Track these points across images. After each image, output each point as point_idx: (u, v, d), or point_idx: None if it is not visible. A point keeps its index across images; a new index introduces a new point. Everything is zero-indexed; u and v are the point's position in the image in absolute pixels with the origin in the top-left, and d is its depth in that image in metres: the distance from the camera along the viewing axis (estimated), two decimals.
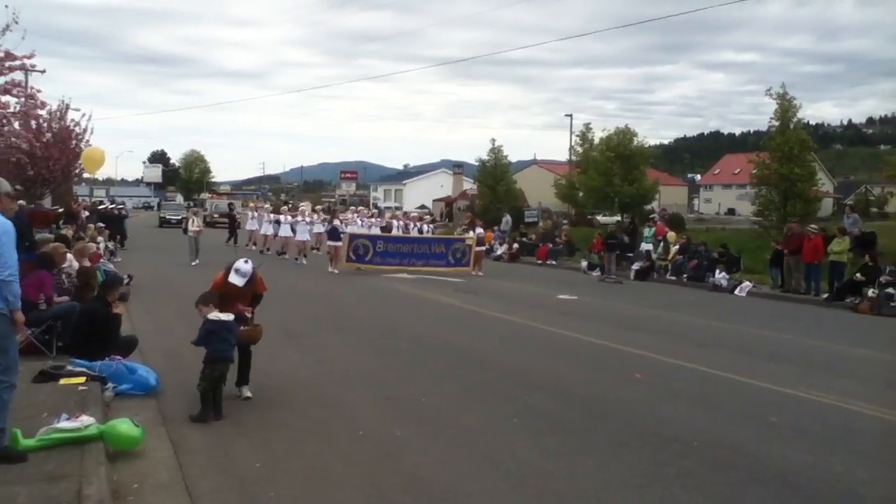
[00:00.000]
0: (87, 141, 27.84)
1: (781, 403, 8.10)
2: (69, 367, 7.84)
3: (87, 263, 12.08)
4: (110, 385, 7.52)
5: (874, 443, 6.79)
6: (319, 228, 26.81)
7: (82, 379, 7.57)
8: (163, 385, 7.98)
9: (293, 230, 26.01)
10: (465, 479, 5.61)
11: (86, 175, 38.33)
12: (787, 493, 5.48)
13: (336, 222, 24.06)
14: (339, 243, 22.44)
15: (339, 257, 22.24)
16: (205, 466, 5.82)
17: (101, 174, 50.31)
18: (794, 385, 8.88)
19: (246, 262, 7.47)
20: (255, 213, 30.34)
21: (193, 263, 22.05)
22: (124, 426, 5.97)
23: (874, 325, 15.01)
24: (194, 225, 23.45)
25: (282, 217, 27.75)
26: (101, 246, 20.19)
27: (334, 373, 9.10)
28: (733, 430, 7.06)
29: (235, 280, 7.33)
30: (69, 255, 11.53)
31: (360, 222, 26.26)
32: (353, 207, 37.23)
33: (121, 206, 35.90)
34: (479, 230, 25.48)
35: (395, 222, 28.22)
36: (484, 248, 25.81)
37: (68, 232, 17.42)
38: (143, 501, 5.11)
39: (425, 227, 27.89)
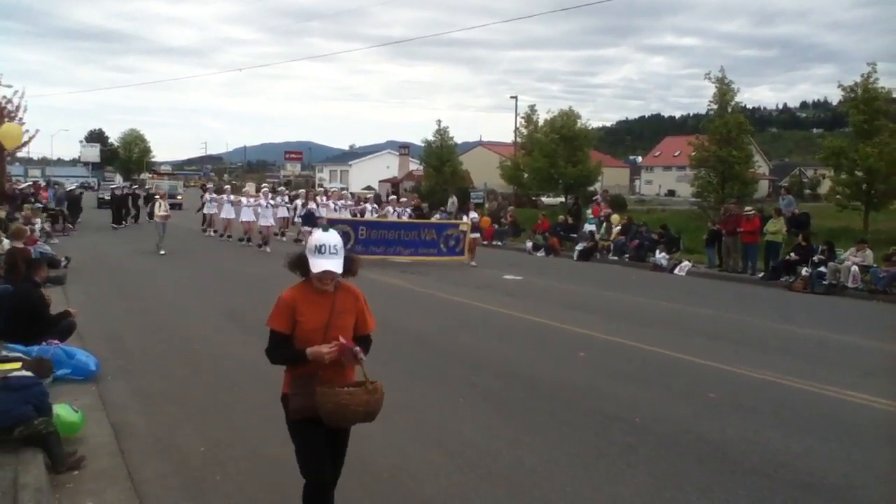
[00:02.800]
0: (21, 119, 26.90)
1: (720, 380, 8.32)
2: (4, 353, 7.59)
3: (20, 245, 11.72)
4: None
5: (807, 416, 7.03)
6: (284, 212, 25.08)
7: (17, 365, 7.34)
8: (103, 370, 7.81)
9: (255, 214, 23.71)
10: (411, 461, 5.63)
11: (19, 154, 37.13)
12: (726, 467, 5.65)
13: (311, 205, 21.87)
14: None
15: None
16: (147, 452, 5.72)
17: (35, 153, 48.75)
18: (732, 362, 9.13)
19: (326, 229, 4.04)
20: (212, 196, 27.27)
21: (161, 253, 19.79)
22: (63, 411, 5.84)
23: (807, 303, 15.51)
24: (161, 209, 20.90)
25: (243, 199, 25.59)
26: (38, 227, 19.61)
27: None
28: (674, 407, 7.23)
29: (328, 264, 3.84)
30: (3, 238, 11.17)
31: (331, 205, 24.07)
32: (322, 188, 34.96)
33: (134, 187, 36.37)
34: (474, 214, 22.49)
35: (368, 206, 25.39)
36: (478, 234, 22.48)
37: (1, 214, 16.86)
38: (83, 488, 5.01)
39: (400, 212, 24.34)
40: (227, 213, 25.33)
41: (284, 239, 24.07)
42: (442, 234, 20.98)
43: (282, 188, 33.12)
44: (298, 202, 27.12)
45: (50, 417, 5.49)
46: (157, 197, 24.11)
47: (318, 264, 3.84)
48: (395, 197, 27.61)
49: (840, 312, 14.46)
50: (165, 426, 6.33)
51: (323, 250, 3.86)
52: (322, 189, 32.04)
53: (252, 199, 24.96)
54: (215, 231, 26.54)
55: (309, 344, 3.90)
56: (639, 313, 13.09)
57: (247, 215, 23.97)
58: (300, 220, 23.29)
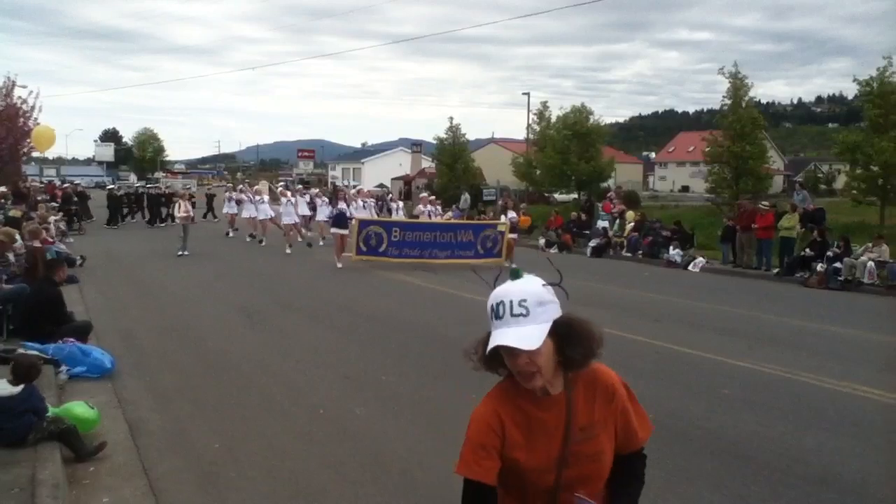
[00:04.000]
0: (36, 119, 27.16)
1: (733, 376, 8.30)
2: (21, 351, 7.68)
3: (38, 244, 11.84)
4: (64, 368, 7.41)
5: (821, 412, 7.00)
6: (305, 210, 23.55)
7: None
8: (118, 367, 7.89)
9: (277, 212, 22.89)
10: (424, 456, 5.66)
11: (35, 154, 37.46)
12: (738, 463, 5.64)
13: (342, 205, 19.25)
14: (346, 231, 18.23)
15: (341, 248, 17.97)
16: (162, 448, 5.78)
17: (51, 153, 49.21)
18: (746, 358, 9.10)
19: (516, 275, 2.38)
20: (242, 196, 25.76)
21: (179, 254, 19.15)
22: (79, 409, 5.90)
23: (822, 299, 15.42)
24: (181, 210, 19.89)
25: (265, 198, 24.77)
26: (52, 227, 19.78)
27: (292, 351, 9.07)
28: (687, 403, 7.22)
29: (510, 337, 2.21)
30: (18, 238, 11.29)
31: (361, 204, 21.92)
32: (348, 185, 32.87)
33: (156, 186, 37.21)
34: (512, 214, 20.88)
35: (394, 205, 23.98)
36: (516, 235, 20.77)
37: (17, 213, 17.02)
38: (99, 484, 5.07)
39: (433, 211, 22.85)
40: (250, 211, 24.44)
41: (301, 240, 22.55)
42: (479, 234, 19.52)
43: (288, 183, 31.91)
44: (318, 200, 25.03)
45: (51, 415, 5.53)
46: (175, 197, 23.76)
47: (494, 337, 2.23)
48: (426, 195, 25.54)
49: (855, 308, 14.36)
50: (180, 422, 6.39)
51: (501, 312, 2.25)
52: (354, 187, 29.85)
53: (264, 197, 24.40)
54: (235, 229, 25.89)
55: (529, 496, 2.27)
56: (652, 309, 13.06)
57: (264, 213, 23.59)
58: (328, 220, 21.00)
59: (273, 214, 23.96)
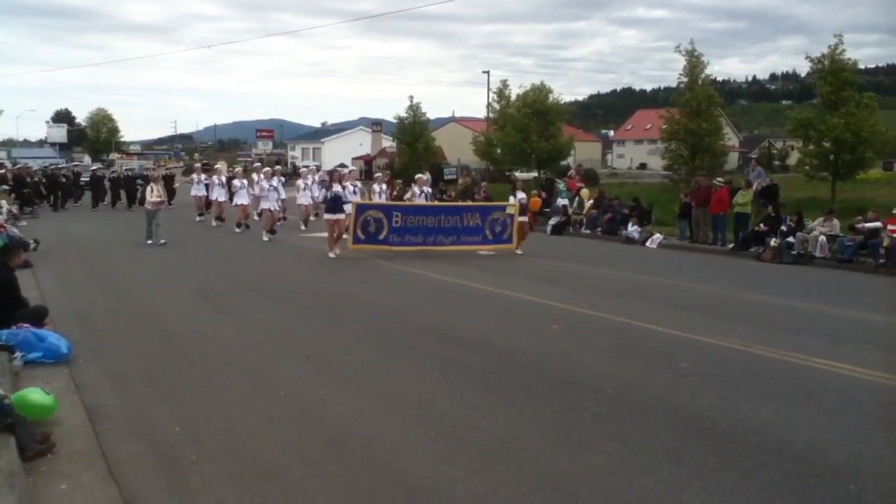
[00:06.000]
0: None
1: (690, 349, 8.46)
2: None
3: None
4: (18, 354, 7.26)
5: (774, 383, 7.18)
6: (283, 193, 21.63)
7: None
8: (75, 352, 7.76)
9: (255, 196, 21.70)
10: (386, 435, 5.68)
11: None
12: (696, 435, 5.76)
13: (337, 188, 17.34)
14: (342, 216, 16.77)
15: (336, 236, 16.76)
16: (122, 432, 5.71)
17: (0, 135, 47.82)
18: (702, 331, 9.27)
19: None
20: (201, 177, 25.31)
21: (150, 242, 17.77)
22: (35, 395, 5.80)
23: (776, 273, 15.75)
24: (154, 195, 18.22)
25: (236, 181, 23.10)
26: (4, 210, 19.33)
27: (254, 333, 9.01)
28: (646, 377, 7.35)
29: None
30: None
31: (350, 187, 18.91)
32: (309, 166, 30.30)
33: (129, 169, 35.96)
34: (521, 195, 18.99)
35: (376, 187, 21.03)
36: (526, 218, 19.16)
37: None
38: (57, 471, 5.00)
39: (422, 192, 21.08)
40: (219, 195, 23.64)
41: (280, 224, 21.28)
42: (487, 218, 17.92)
43: (308, 168, 29.47)
44: (266, 181, 21.60)
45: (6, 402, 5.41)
46: (134, 181, 22.59)
47: None
48: (421, 176, 23.40)
49: (808, 281, 14.71)
50: (139, 406, 6.32)
51: None
52: (317, 168, 28.62)
53: (241, 181, 22.78)
54: (201, 215, 24.97)
55: None
56: (611, 285, 13.22)
57: (241, 198, 22.15)
58: (325, 205, 18.26)
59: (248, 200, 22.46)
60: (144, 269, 14.39)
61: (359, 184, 20.56)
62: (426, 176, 25.12)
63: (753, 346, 8.59)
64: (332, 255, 16.29)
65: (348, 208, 16.85)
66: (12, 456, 4.88)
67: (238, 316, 10.17)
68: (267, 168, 23.07)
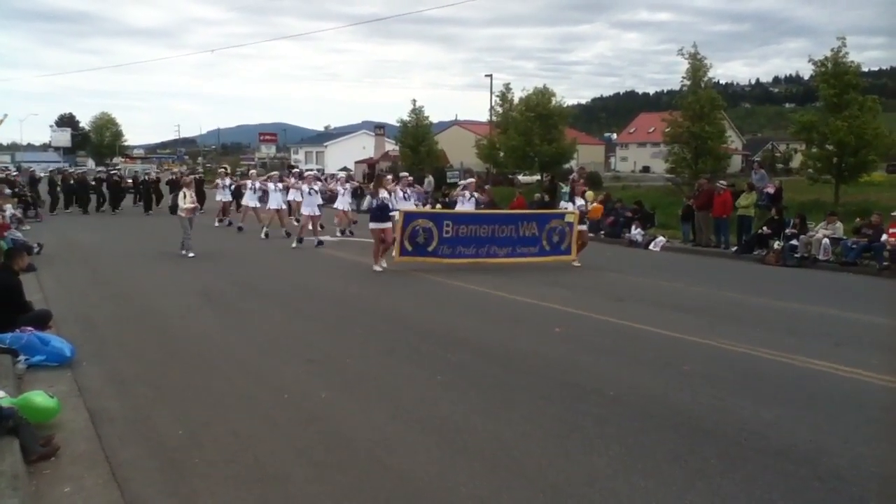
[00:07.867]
0: None
1: (693, 352, 8.45)
2: None
3: None
4: (22, 357, 7.29)
5: (778, 387, 7.17)
6: (318, 199, 19.77)
7: None
8: (78, 356, 7.78)
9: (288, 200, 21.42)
10: (390, 438, 5.68)
11: None
12: (698, 438, 5.76)
13: (383, 194, 15.40)
14: (388, 225, 15.22)
15: (383, 247, 15.22)
16: (125, 435, 5.72)
17: (5, 139, 47.97)
18: (705, 334, 9.26)
19: None
20: (226, 182, 24.97)
21: (183, 253, 16.63)
22: (38, 398, 5.81)
23: (779, 276, 15.74)
24: (187, 201, 17.10)
25: (270, 185, 22.29)
26: (8, 214, 19.38)
27: (257, 337, 9.01)
28: (648, 380, 7.34)
29: None
30: None
31: (400, 193, 17.63)
32: (311, 170, 29.06)
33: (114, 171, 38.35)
34: (581, 201, 17.30)
35: (398, 189, 18.24)
36: (586, 226, 17.64)
37: None
38: (61, 474, 5.01)
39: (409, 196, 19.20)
40: (251, 200, 22.75)
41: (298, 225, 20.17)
42: (544, 227, 16.31)
43: (343, 173, 28.93)
44: (275, 186, 22.13)
45: (8, 405, 5.43)
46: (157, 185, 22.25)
47: None
48: (472, 180, 21.20)
49: (811, 284, 14.69)
50: (142, 410, 6.33)
51: None
52: (320, 171, 29.29)
53: (278, 185, 22.10)
54: (221, 220, 24.72)
55: None
56: (614, 288, 13.21)
57: (275, 202, 21.46)
58: (371, 213, 16.01)
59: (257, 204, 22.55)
60: (147, 272, 14.40)
61: (409, 189, 19.41)
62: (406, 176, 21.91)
63: (756, 348, 8.58)
64: (377, 268, 14.86)
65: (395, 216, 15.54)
66: (16, 459, 4.89)
67: (239, 318, 10.16)
68: (309, 172, 23.06)
